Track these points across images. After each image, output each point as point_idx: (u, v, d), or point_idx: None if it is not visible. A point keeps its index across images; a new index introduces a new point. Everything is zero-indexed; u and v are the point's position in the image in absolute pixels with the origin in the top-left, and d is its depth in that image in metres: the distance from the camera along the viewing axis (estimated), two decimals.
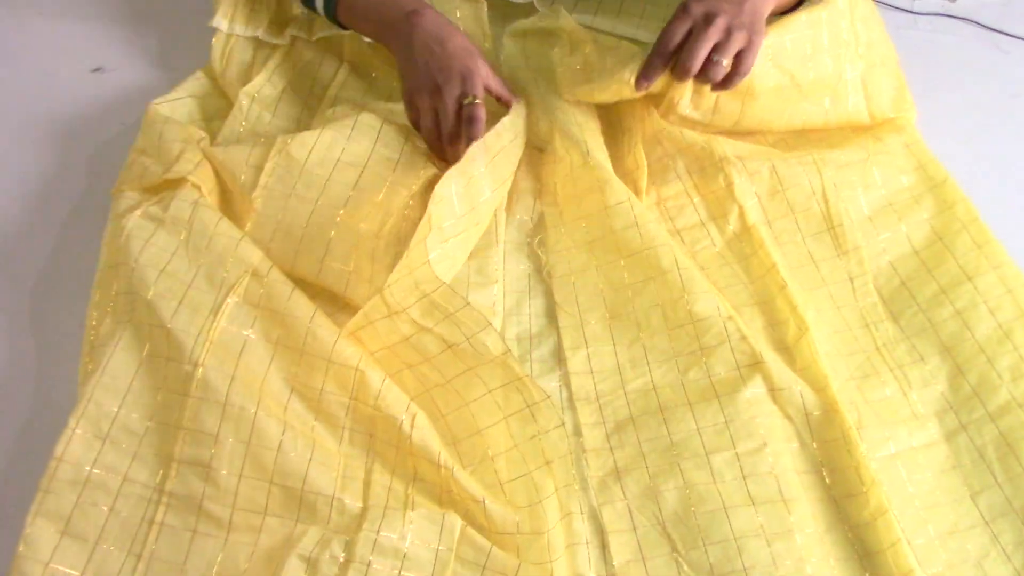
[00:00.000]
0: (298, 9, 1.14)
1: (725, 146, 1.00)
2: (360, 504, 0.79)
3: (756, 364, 0.85)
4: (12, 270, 1.00)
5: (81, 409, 0.80)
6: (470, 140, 0.92)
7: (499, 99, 1.00)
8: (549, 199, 1.01)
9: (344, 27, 1.07)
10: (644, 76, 0.94)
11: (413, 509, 0.78)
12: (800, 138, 1.03)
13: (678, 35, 0.92)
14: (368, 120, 1.00)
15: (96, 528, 0.77)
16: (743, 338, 0.86)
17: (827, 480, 0.81)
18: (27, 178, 1.09)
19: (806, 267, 0.94)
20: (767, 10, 0.94)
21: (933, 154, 0.99)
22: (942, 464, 0.83)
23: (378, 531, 0.76)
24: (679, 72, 0.92)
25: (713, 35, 0.90)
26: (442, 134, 0.96)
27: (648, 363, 0.89)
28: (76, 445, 0.79)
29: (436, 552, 0.76)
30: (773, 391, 0.84)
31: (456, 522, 0.78)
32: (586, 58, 1.05)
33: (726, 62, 0.90)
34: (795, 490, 0.80)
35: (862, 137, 1.01)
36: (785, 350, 0.88)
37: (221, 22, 1.13)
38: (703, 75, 0.91)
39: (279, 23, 1.15)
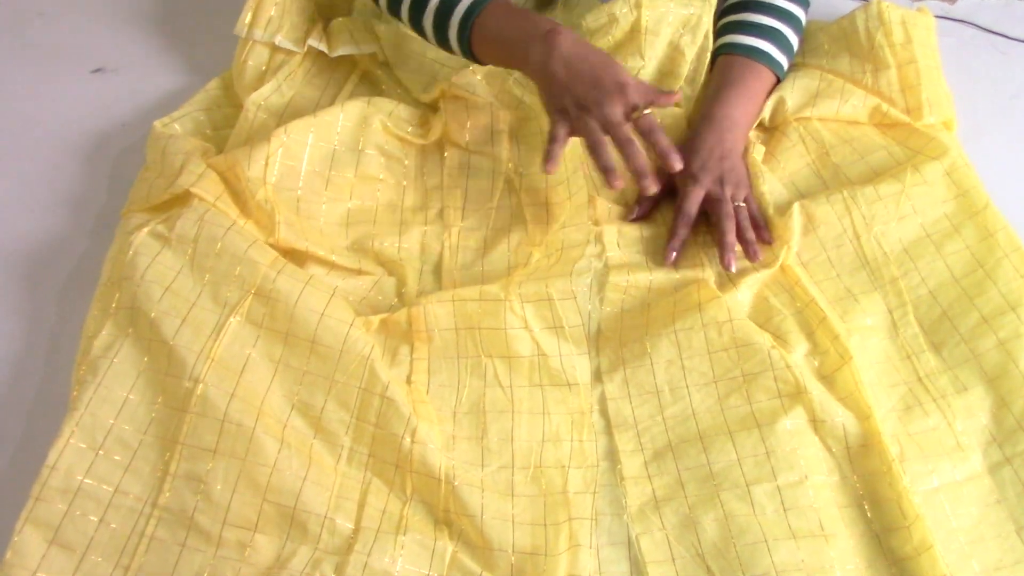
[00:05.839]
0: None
1: (761, 186, 1.02)
2: (352, 525, 0.79)
3: (799, 394, 0.84)
4: (5, 270, 0.99)
5: (76, 418, 0.80)
6: (662, 152, 0.90)
7: (651, 104, 0.95)
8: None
9: (479, 61, 1.03)
10: (640, 213, 1.01)
11: (405, 534, 0.78)
12: (835, 177, 1.03)
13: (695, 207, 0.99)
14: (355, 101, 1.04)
15: (85, 538, 0.77)
16: (787, 367, 0.85)
17: (868, 514, 0.80)
18: (26, 179, 1.08)
19: (844, 300, 0.93)
20: (742, 147, 1.04)
21: (978, 178, 0.99)
22: (986, 498, 0.81)
23: (369, 554, 0.77)
24: (750, 253, 0.97)
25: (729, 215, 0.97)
26: (619, 143, 0.91)
27: (687, 386, 0.87)
28: (69, 454, 0.79)
29: None
30: (815, 422, 0.83)
31: (447, 547, 0.79)
32: None
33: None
34: (836, 524, 0.79)
35: (899, 169, 1.01)
36: (827, 379, 0.87)
37: (242, 27, 1.11)
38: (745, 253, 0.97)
39: (300, 31, 1.13)
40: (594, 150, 0.91)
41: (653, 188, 0.90)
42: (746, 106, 1.05)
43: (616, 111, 0.90)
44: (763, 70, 1.07)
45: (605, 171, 0.90)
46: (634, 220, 1.00)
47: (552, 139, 0.92)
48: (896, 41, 1.06)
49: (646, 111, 0.92)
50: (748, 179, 1.02)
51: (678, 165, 0.90)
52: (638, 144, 0.91)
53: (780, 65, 1.08)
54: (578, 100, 0.92)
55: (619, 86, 0.91)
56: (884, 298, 0.93)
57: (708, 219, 0.99)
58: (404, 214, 1.01)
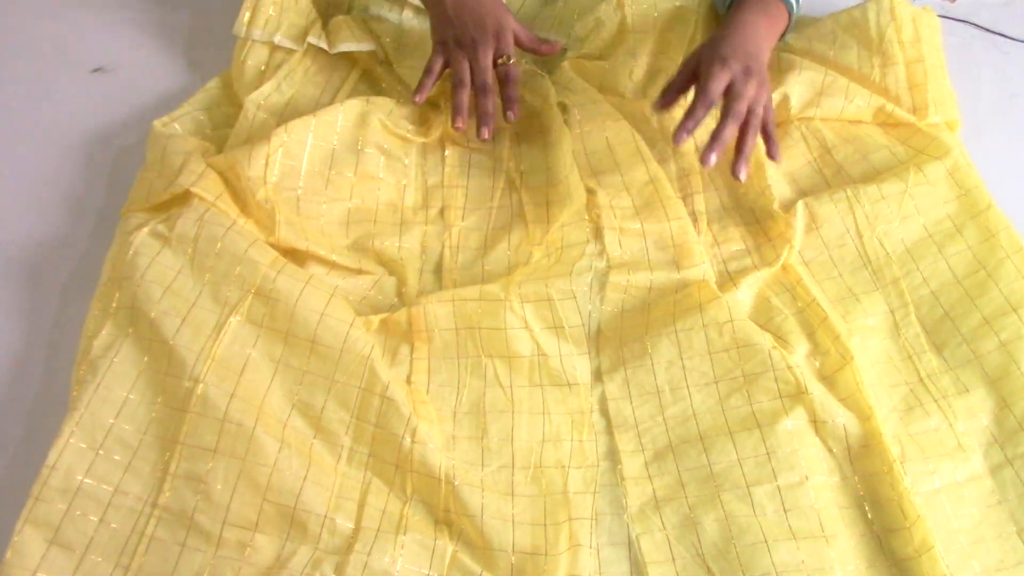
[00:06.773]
0: None
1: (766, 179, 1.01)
2: (352, 525, 0.79)
3: (799, 395, 0.84)
4: (5, 270, 0.99)
5: (76, 418, 0.80)
6: (508, 99, 1.00)
7: (534, 51, 1.03)
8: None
9: None
10: (664, 103, 0.98)
11: (405, 533, 0.78)
12: (837, 176, 1.03)
13: (720, 86, 0.93)
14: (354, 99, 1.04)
15: (85, 538, 0.76)
16: (788, 367, 0.85)
17: (869, 515, 0.80)
18: (26, 178, 1.07)
19: (846, 300, 0.93)
20: (768, 53, 1.01)
21: (980, 178, 0.99)
22: (987, 499, 0.81)
23: (369, 553, 0.77)
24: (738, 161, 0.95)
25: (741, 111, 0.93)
26: (476, 86, 1.01)
27: (688, 386, 0.87)
28: (69, 454, 0.78)
29: None
30: (815, 423, 0.83)
31: (447, 547, 0.79)
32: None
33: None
34: (836, 525, 0.79)
35: (901, 169, 1.01)
36: (828, 379, 0.87)
37: (240, 27, 1.11)
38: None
39: (299, 29, 1.13)
40: (454, 88, 1.01)
41: (459, 124, 1.00)
42: (766, 22, 1.01)
43: (487, 56, 1.00)
44: (777, 4, 1.03)
45: (454, 109, 1.01)
46: (660, 108, 0.98)
47: (427, 71, 1.03)
48: (906, 38, 1.06)
49: (511, 61, 1.01)
50: (769, 85, 0.98)
51: (512, 117, 1.00)
52: (492, 94, 1.01)
53: (790, 2, 1.04)
54: (458, 37, 1.00)
55: (498, 32, 0.99)
56: (886, 298, 0.93)
57: (711, 220, 0.99)
58: (404, 213, 1.01)
